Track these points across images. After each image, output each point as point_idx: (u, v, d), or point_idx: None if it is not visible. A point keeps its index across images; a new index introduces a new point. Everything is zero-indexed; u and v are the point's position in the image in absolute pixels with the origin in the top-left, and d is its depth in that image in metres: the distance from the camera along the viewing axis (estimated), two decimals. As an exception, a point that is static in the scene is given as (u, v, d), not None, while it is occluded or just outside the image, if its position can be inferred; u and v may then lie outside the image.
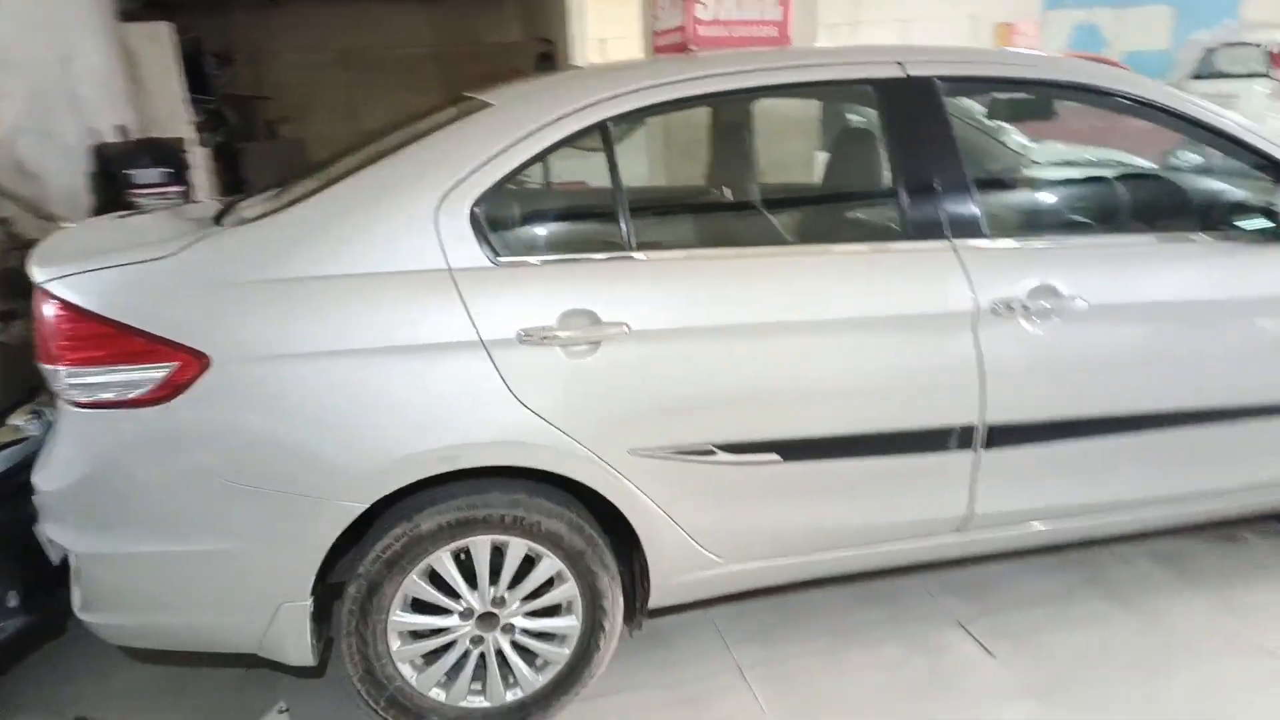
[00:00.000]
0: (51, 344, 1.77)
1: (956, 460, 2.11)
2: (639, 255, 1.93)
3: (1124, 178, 2.58)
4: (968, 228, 2.07)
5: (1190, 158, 2.74)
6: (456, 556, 1.93)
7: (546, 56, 8.00)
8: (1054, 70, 2.26)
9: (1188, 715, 2.03)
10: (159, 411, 1.73)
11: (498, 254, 1.87)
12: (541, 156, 1.92)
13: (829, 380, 2.00)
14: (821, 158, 2.68)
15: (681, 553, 2.04)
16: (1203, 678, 2.14)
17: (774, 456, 2.00)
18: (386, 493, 1.84)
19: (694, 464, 1.96)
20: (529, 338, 1.83)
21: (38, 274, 1.81)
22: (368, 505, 1.84)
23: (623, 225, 1.94)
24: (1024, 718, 2.04)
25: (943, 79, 2.11)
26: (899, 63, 2.10)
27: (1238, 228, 2.24)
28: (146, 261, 1.80)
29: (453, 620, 1.97)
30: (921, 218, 2.05)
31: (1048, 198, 2.47)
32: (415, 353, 1.80)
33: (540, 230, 2.03)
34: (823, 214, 2.28)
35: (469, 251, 1.85)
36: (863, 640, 2.34)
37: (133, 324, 1.73)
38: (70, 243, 2.08)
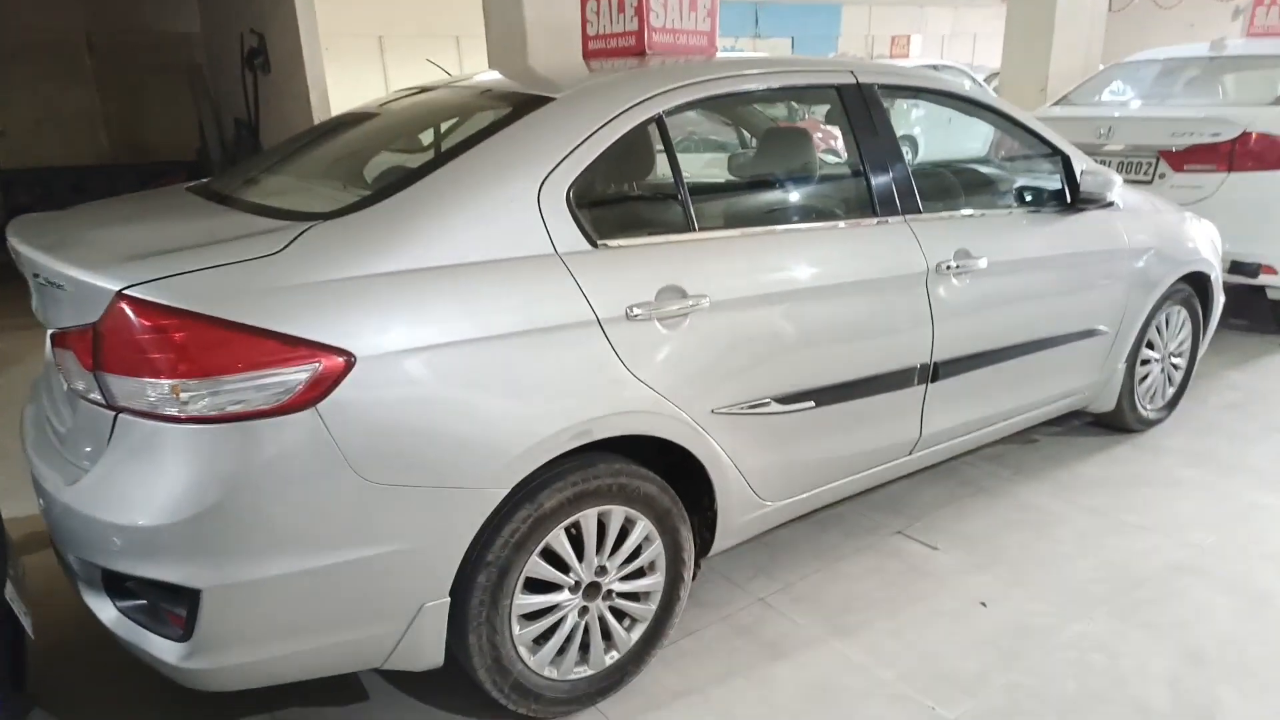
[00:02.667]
0: (153, 355, 1.56)
1: (915, 393, 2.61)
2: (705, 234, 2.16)
3: (976, 167, 3.29)
4: (913, 206, 2.58)
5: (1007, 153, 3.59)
6: (567, 531, 2.01)
7: (256, 52, 7.36)
8: (936, 82, 2.86)
9: (1077, 554, 2.75)
10: (306, 417, 1.62)
11: (593, 238, 1.98)
12: (615, 146, 2.06)
13: (847, 332, 2.39)
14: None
15: (740, 498, 2.30)
16: (1072, 530, 2.89)
17: (810, 403, 2.34)
18: (527, 475, 1.87)
19: (754, 416, 2.24)
20: (636, 314, 1.98)
21: (109, 280, 1.58)
22: (509, 490, 1.86)
23: (687, 208, 2.15)
24: (986, 583, 2.61)
25: (882, 86, 2.60)
26: (852, 71, 2.56)
27: (1051, 202, 3.04)
28: (252, 260, 1.66)
29: (564, 595, 2.04)
30: (886, 198, 2.52)
31: (947, 181, 3.09)
32: (544, 335, 1.86)
33: (621, 214, 2.15)
34: (822, 195, 2.66)
35: (571, 237, 1.95)
36: (840, 555, 2.77)
37: (265, 326, 1.59)
38: (109, 240, 1.83)
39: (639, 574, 2.17)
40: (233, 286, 1.62)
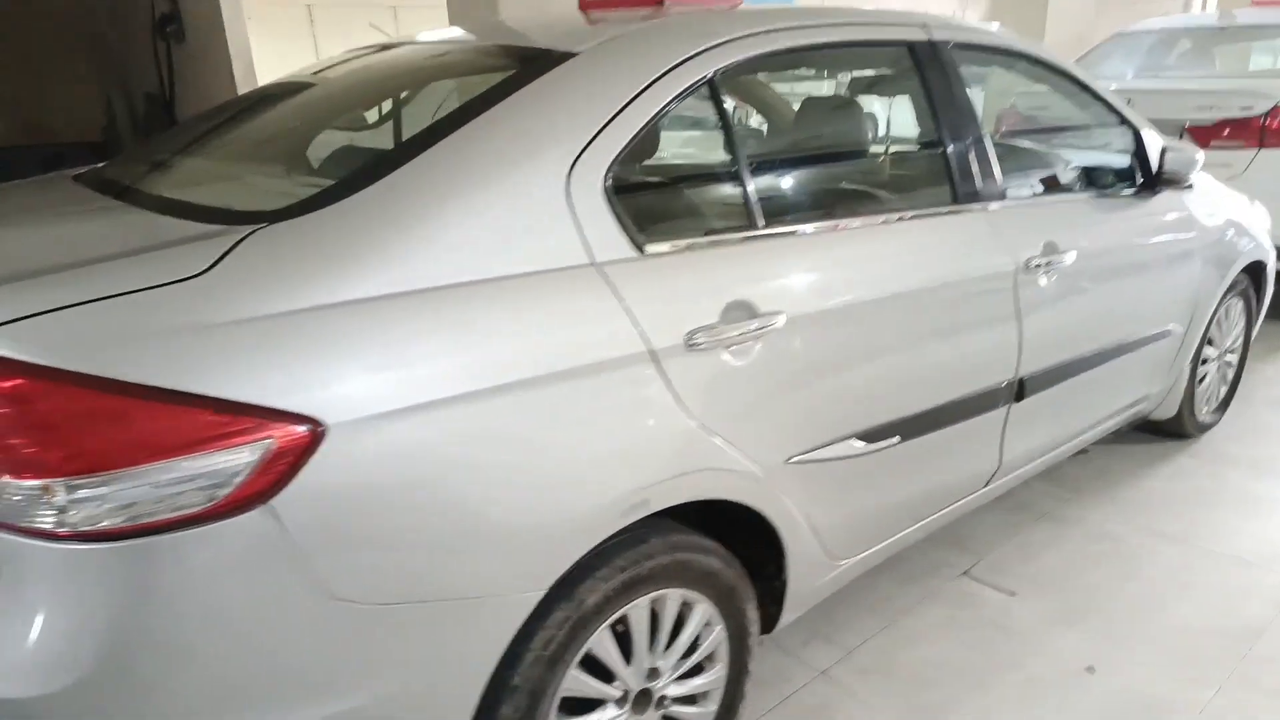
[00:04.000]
0: (10, 439, 1.01)
1: (998, 416, 2.17)
2: (772, 232, 1.66)
3: (1052, 146, 2.83)
4: (995, 191, 2.12)
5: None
6: (613, 629, 1.52)
7: (168, 19, 6.56)
8: (1013, 42, 2.39)
9: (1172, 596, 2.36)
10: (254, 519, 1.08)
11: (638, 241, 1.47)
12: (661, 117, 1.55)
13: (935, 347, 1.92)
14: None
15: (812, 561, 1.83)
16: (1157, 566, 2.49)
17: (895, 438, 1.87)
18: (570, 567, 1.37)
19: (833, 461, 1.77)
20: (699, 342, 1.48)
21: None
22: (545, 591, 1.35)
23: (749, 199, 1.65)
24: (1081, 641, 2.19)
25: (957, 45, 2.12)
26: (924, 26, 2.08)
27: (1122, 183, 2.61)
28: (164, 286, 1.11)
29: (610, 713, 1.55)
30: (968, 182, 2.05)
31: (1020, 160, 2.63)
32: (582, 378, 1.35)
33: (670, 208, 1.64)
34: (898, 179, 2.15)
35: (611, 239, 1.44)
36: (904, 608, 2.32)
37: (188, 387, 1.05)
38: None
39: (696, 670, 1.69)
40: (133, 328, 1.07)
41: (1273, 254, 3.27)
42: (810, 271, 1.69)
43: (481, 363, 1.26)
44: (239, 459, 1.07)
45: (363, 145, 1.67)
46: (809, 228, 1.72)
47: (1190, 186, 2.68)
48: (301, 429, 1.10)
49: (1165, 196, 2.65)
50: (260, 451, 1.08)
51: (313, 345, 1.14)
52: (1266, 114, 3.99)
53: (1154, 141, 2.62)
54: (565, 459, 1.35)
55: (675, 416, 1.47)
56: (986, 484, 2.29)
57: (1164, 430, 3.22)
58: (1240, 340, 3.35)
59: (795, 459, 1.68)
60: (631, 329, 1.41)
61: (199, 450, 1.05)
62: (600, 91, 1.49)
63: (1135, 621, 2.27)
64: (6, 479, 1.01)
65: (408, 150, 1.36)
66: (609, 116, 1.47)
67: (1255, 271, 3.25)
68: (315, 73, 2.13)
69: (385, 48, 2.12)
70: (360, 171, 1.35)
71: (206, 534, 1.06)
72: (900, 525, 2.07)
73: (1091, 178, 2.58)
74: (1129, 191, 2.57)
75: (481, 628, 1.30)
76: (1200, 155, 2.60)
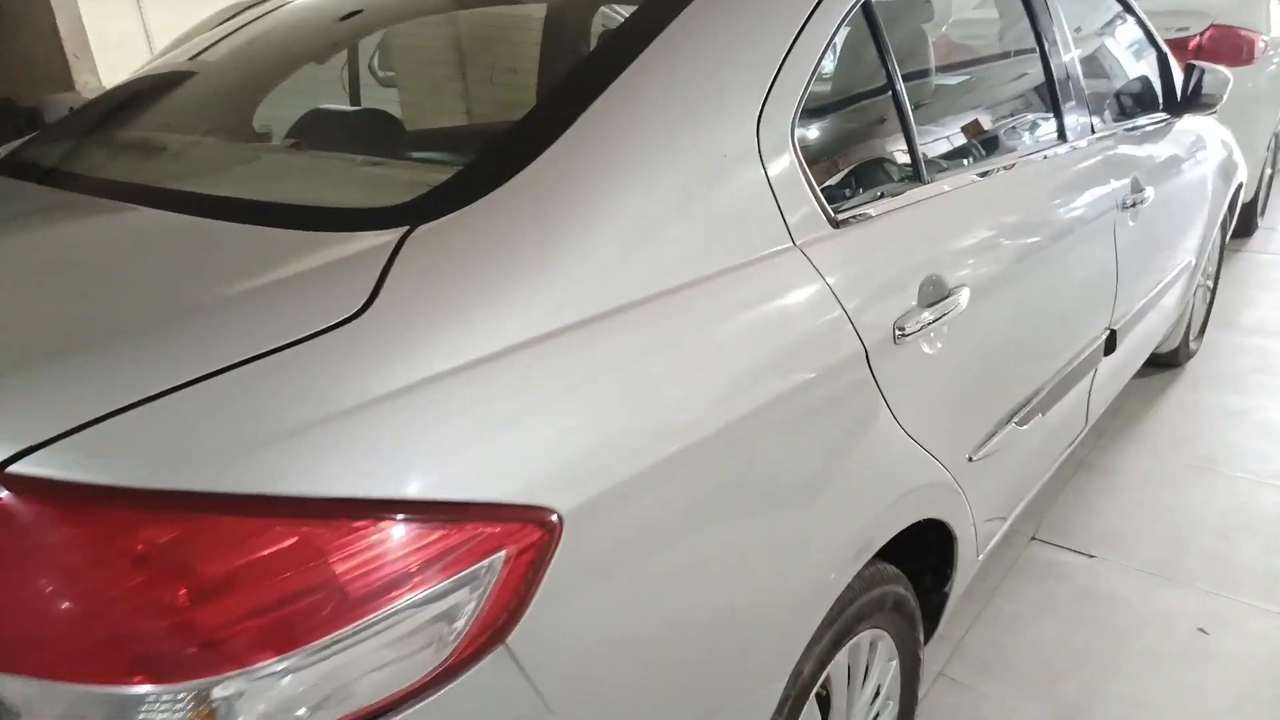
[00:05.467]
0: (138, 623, 0.61)
1: (1093, 371, 2.00)
2: (938, 188, 1.37)
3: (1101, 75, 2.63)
4: (1087, 124, 1.91)
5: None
6: (817, 695, 1.23)
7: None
8: None
9: (1243, 532, 2.29)
10: (486, 670, 0.72)
11: (830, 211, 1.15)
12: (826, 48, 1.21)
13: (1065, 304, 1.70)
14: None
15: (968, 565, 1.60)
16: (1212, 503, 2.42)
17: (1039, 414, 1.65)
18: (810, 638, 1.06)
19: (998, 452, 1.52)
20: (904, 333, 1.18)
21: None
22: (789, 677, 1.04)
23: (914, 149, 1.35)
24: (1181, 599, 2.08)
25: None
26: None
27: (1153, 108, 2.47)
28: (323, 333, 0.72)
29: (813, 791, 1.27)
30: (1074, 116, 1.82)
31: (1094, 94, 2.41)
32: (804, 399, 1.03)
33: (848, 165, 1.29)
34: (1020, 117, 1.86)
35: (807, 211, 1.11)
36: (990, 587, 2.15)
37: (392, 493, 0.67)
38: None
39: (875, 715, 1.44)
40: (299, 409, 0.67)
41: (1244, 173, 3.28)
42: (979, 233, 1.42)
43: (710, 397, 0.92)
44: (468, 586, 0.70)
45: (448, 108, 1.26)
46: (964, 180, 1.44)
47: (1215, 110, 2.58)
48: (535, 528, 0.74)
49: (1186, 120, 2.54)
50: (494, 569, 0.71)
51: (525, 404, 0.77)
52: (1202, 33, 4.02)
53: (1175, 63, 2.49)
54: (807, 504, 1.03)
55: (890, 429, 1.18)
56: (1073, 442, 2.13)
57: (1160, 362, 3.20)
58: (1214, 263, 3.37)
59: (976, 456, 1.43)
60: (845, 325, 1.10)
61: (421, 586, 0.67)
62: (772, 15, 1.14)
63: (1215, 566, 2.19)
64: (144, 686, 0.61)
65: (554, 116, 0.97)
66: (783, 52, 1.13)
67: (1234, 196, 3.25)
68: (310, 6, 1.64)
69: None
70: (498, 148, 0.95)
71: (433, 707, 0.69)
72: (1019, 501, 1.87)
73: (1137, 103, 2.42)
74: (1163, 117, 2.44)
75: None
76: (1229, 76, 2.49)
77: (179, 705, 0.62)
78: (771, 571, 1.00)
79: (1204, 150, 2.63)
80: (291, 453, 0.65)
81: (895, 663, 1.44)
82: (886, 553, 1.31)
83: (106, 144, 1.37)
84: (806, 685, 1.14)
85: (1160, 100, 2.45)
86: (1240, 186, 3.17)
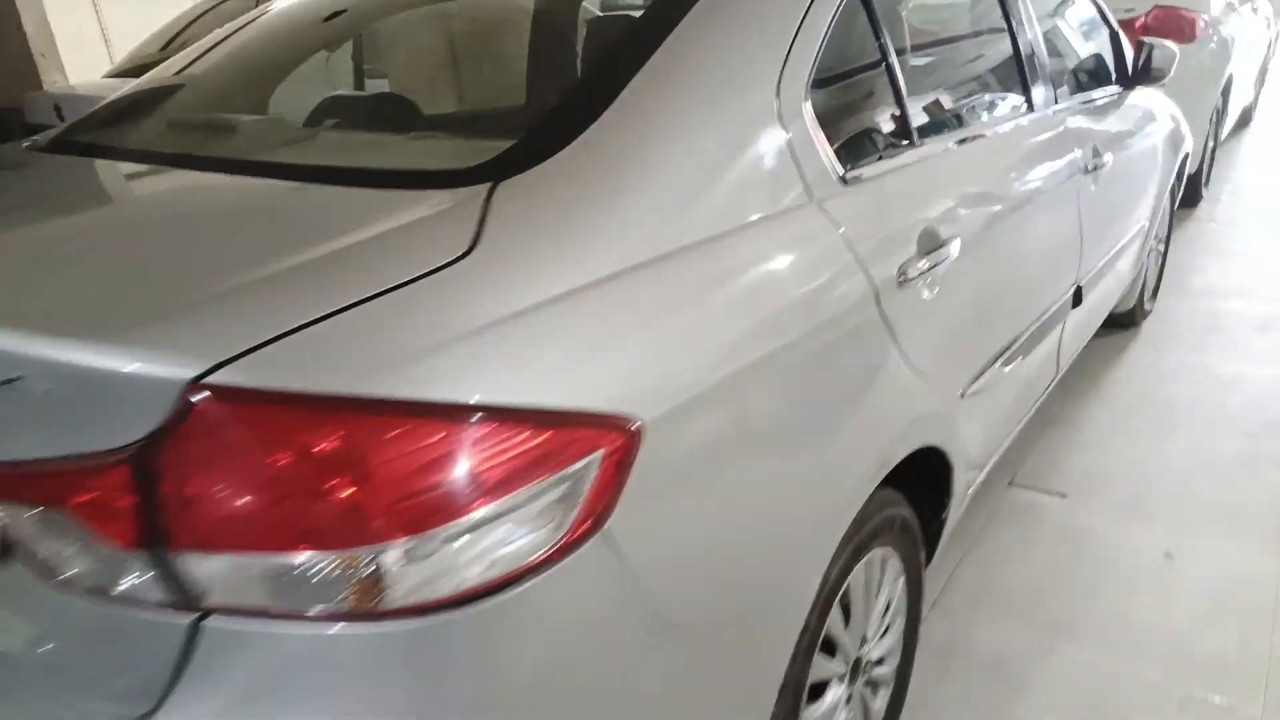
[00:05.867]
0: (305, 501, 0.73)
1: (1062, 323, 2.18)
2: (929, 148, 1.52)
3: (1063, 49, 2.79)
4: (1053, 94, 2.08)
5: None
6: (839, 604, 1.37)
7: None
8: None
9: (1193, 470, 2.50)
10: (589, 553, 0.85)
11: (839, 167, 1.29)
12: (835, 14, 1.35)
13: (1041, 259, 1.88)
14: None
15: (959, 496, 1.75)
16: (1175, 449, 2.62)
17: (1020, 357, 1.82)
18: (838, 544, 1.20)
19: (986, 389, 1.68)
20: (906, 276, 1.33)
21: (177, 361, 0.72)
22: (823, 573, 1.19)
23: (905, 111, 1.50)
24: (1145, 531, 2.27)
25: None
26: None
27: (1106, 82, 2.65)
28: (440, 269, 0.83)
29: (838, 691, 1.41)
30: (1041, 84, 1.99)
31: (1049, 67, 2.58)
32: (827, 331, 1.18)
33: (853, 125, 1.43)
34: (996, 84, 2.02)
35: (821, 168, 1.25)
36: (973, 528, 2.32)
37: (511, 401, 0.79)
38: (90, 278, 0.90)
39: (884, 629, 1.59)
40: (432, 331, 0.79)
41: (1190, 143, 3.50)
42: (966, 190, 1.57)
43: (755, 327, 1.05)
44: (577, 479, 0.83)
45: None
46: (950, 142, 1.60)
47: (1164, 83, 2.78)
48: (620, 434, 0.87)
49: (1137, 92, 2.73)
50: (593, 466, 0.84)
51: (610, 327, 0.90)
52: (1146, 14, 4.24)
53: (1125, 39, 2.68)
54: (833, 424, 1.18)
55: (898, 363, 1.32)
56: (1044, 391, 2.31)
57: (1117, 322, 3.40)
58: (1165, 226, 3.59)
59: (967, 392, 1.59)
60: (857, 270, 1.24)
61: (537, 478, 0.80)
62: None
63: (1180, 501, 2.39)
64: (303, 553, 0.73)
65: (605, 87, 1.10)
66: (800, 15, 1.26)
67: (1182, 162, 3.46)
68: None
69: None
70: (556, 114, 1.08)
71: (551, 580, 0.82)
72: (997, 447, 2.04)
73: (1091, 77, 2.60)
74: (1116, 90, 2.62)
75: (785, 622, 1.13)
76: (1176, 51, 2.68)
77: (344, 569, 0.74)
78: (809, 480, 1.14)
79: (1154, 122, 2.83)
80: (432, 366, 0.77)
81: (902, 581, 1.59)
82: (892, 482, 1.46)
83: (180, 126, 1.47)
84: (833, 590, 1.28)
85: (1114, 74, 2.63)
86: (1187, 156, 3.38)
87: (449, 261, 0.84)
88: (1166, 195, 3.12)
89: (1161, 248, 3.54)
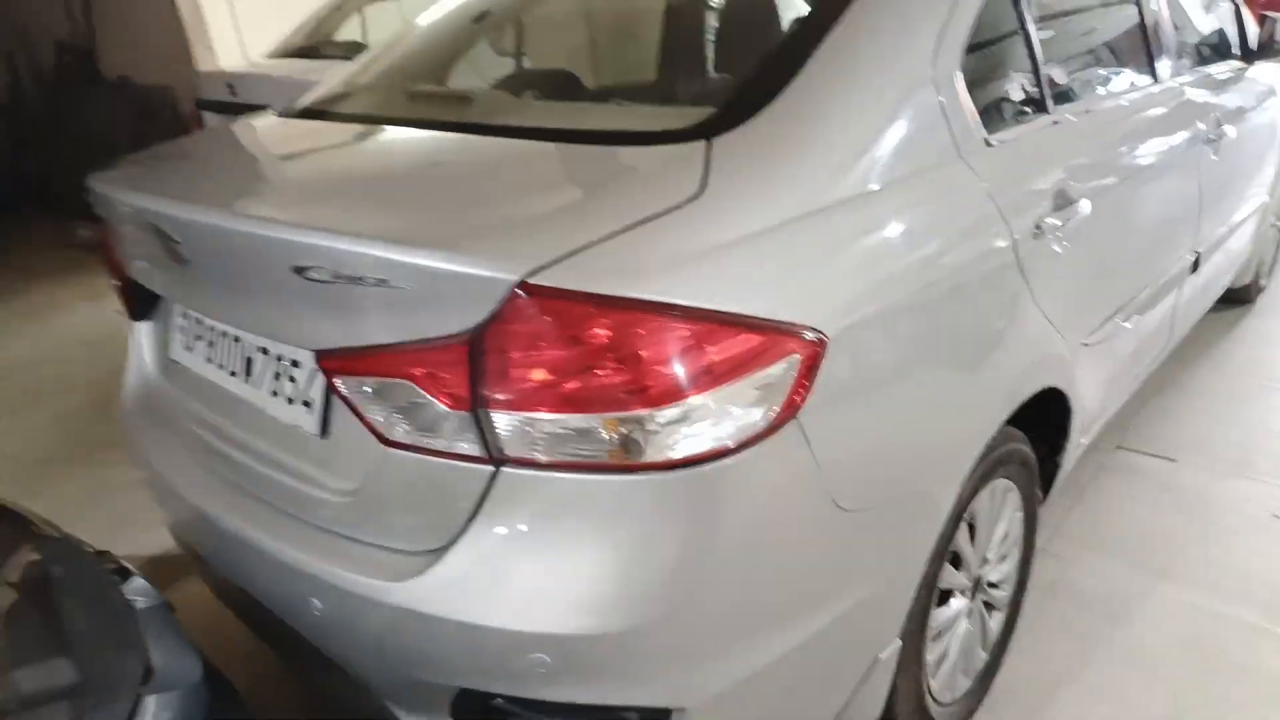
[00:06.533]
0: (600, 375, 0.95)
1: (1180, 289, 2.28)
2: (1062, 114, 1.66)
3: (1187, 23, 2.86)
4: (1180, 64, 2.18)
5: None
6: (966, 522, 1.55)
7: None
8: None
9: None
10: (788, 435, 1.05)
11: (984, 130, 1.45)
12: (981, 7, 1.51)
13: (1164, 222, 2.00)
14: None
15: (1075, 442, 1.90)
16: (1275, 404, 2.73)
17: (1138, 314, 1.95)
18: (972, 464, 1.39)
19: (1105, 341, 1.83)
20: (1040, 230, 1.49)
21: (503, 264, 0.94)
22: (962, 483, 1.37)
23: (1040, 78, 1.64)
24: (1252, 490, 2.36)
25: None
26: None
27: (1230, 55, 2.70)
28: (675, 209, 1.04)
29: (962, 603, 1.60)
30: (1167, 54, 2.10)
31: (1173, 40, 2.67)
32: (972, 271, 1.35)
33: (996, 91, 1.59)
34: (1123, 52, 2.15)
35: (969, 129, 1.41)
36: (1080, 484, 2.44)
37: (736, 309, 1.00)
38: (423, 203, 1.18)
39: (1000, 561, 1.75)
40: (678, 253, 1.00)
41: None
42: (1095, 154, 1.71)
43: (918, 262, 1.24)
44: (780, 376, 1.03)
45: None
46: (1080, 108, 1.74)
47: (1283, 57, 2.80)
48: (813, 342, 1.07)
49: (1258, 67, 2.77)
50: (790, 367, 1.05)
51: (806, 256, 1.10)
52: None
53: (1248, 13, 2.72)
54: (972, 354, 1.36)
55: (1030, 307, 1.49)
56: (1159, 355, 2.41)
57: (1232, 298, 3.42)
58: (1282, 207, 3.58)
59: (1088, 341, 1.73)
60: (999, 220, 1.41)
61: (753, 369, 1.01)
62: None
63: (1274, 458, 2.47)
64: (584, 415, 0.95)
65: (792, 54, 1.29)
66: (952, 3, 1.43)
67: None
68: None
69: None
70: (752, 80, 1.28)
71: (759, 453, 1.03)
72: (1116, 401, 2.16)
73: (1213, 50, 2.65)
74: (1238, 64, 2.67)
75: (922, 525, 1.32)
76: (1300, 23, 2.71)
77: (608, 430, 0.96)
78: (952, 403, 1.32)
79: (1274, 98, 2.86)
80: (684, 277, 0.98)
81: (1020, 514, 1.75)
82: (1017, 422, 1.63)
83: (418, 96, 1.73)
84: (962, 505, 1.45)
85: (1236, 49, 2.68)
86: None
87: (686, 200, 1.05)
88: (1285, 170, 3.13)
89: (1279, 224, 3.53)
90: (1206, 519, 2.27)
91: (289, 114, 1.71)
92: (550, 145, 1.29)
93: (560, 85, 1.81)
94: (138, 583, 1.15)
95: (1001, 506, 1.67)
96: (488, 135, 1.36)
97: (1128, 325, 1.89)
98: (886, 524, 1.24)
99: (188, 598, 1.69)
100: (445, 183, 1.23)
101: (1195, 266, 2.29)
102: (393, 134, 1.49)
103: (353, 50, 3.09)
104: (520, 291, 0.93)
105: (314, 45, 4.39)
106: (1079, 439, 1.96)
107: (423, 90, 1.74)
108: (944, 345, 1.29)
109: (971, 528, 1.57)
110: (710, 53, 1.86)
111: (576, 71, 1.92)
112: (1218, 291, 2.83)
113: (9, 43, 7.25)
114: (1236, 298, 3.39)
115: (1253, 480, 2.42)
